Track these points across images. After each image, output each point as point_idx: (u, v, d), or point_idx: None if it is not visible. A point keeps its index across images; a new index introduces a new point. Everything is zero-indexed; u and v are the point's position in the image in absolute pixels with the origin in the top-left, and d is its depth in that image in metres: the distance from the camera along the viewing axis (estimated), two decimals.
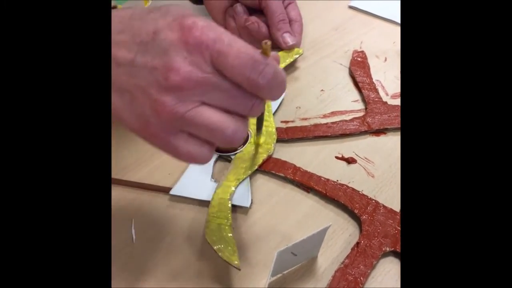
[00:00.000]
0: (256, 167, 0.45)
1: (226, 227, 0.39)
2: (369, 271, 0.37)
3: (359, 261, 0.37)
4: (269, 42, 0.29)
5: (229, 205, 0.41)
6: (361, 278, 0.36)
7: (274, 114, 0.52)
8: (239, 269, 0.36)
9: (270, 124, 0.49)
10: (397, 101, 0.54)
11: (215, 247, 0.37)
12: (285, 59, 0.57)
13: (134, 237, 0.40)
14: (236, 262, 0.36)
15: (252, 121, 0.49)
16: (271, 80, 0.28)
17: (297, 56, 0.58)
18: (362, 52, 0.60)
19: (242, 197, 0.42)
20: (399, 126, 0.50)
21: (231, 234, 0.38)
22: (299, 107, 0.53)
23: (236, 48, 0.27)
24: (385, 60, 0.60)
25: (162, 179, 0.45)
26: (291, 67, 0.58)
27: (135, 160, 0.47)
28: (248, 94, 0.29)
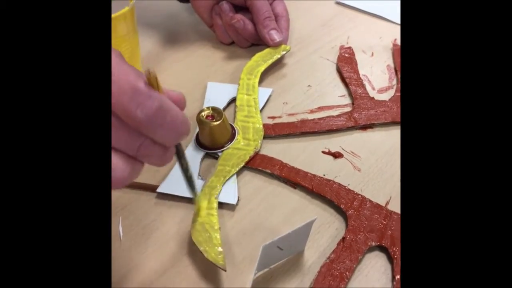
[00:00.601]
0: (243, 164, 0.45)
1: (212, 227, 0.39)
2: (354, 265, 0.37)
3: (344, 256, 0.37)
4: (153, 72, 0.26)
5: (216, 204, 0.41)
6: (347, 273, 0.36)
7: (261, 110, 0.52)
8: (225, 270, 0.36)
9: (257, 121, 0.49)
10: (384, 96, 0.54)
11: (201, 248, 0.37)
12: (272, 55, 0.57)
13: (121, 233, 0.40)
14: (221, 262, 0.36)
15: (243, 117, 0.49)
16: (153, 116, 0.25)
17: (284, 52, 0.58)
18: (350, 48, 0.60)
19: (228, 194, 0.43)
20: (386, 121, 0.50)
21: (217, 235, 0.38)
22: (286, 103, 0.53)
23: (117, 73, 0.25)
24: (372, 55, 0.60)
25: (148, 178, 0.45)
26: (278, 64, 0.59)
27: None
28: (133, 130, 0.26)
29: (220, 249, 0.37)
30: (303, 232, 0.37)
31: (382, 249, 0.39)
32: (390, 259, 0.38)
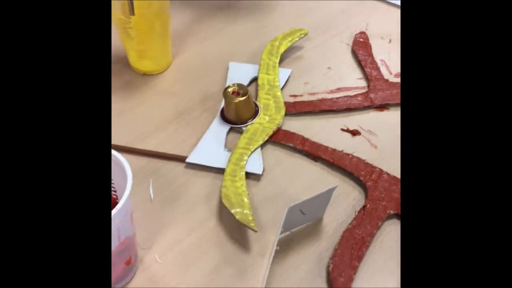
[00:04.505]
0: (267, 138, 0.48)
1: (242, 192, 0.41)
2: (374, 231, 0.39)
3: (365, 222, 0.40)
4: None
5: (243, 172, 0.44)
6: (368, 238, 0.39)
7: (282, 89, 0.54)
8: (256, 231, 0.38)
9: (279, 99, 0.52)
10: (399, 79, 0.56)
11: (232, 211, 0.40)
12: (292, 37, 0.59)
13: (152, 195, 0.43)
14: (252, 224, 0.38)
15: (265, 95, 0.52)
16: None
17: (302, 35, 0.60)
18: (364, 33, 0.63)
19: (254, 165, 0.45)
20: (400, 102, 0.52)
21: (246, 199, 0.41)
22: (307, 83, 0.55)
23: None
24: (390, 41, 0.62)
25: (176, 148, 0.47)
26: (296, 47, 0.61)
27: (148, 129, 0.49)
28: None
29: (250, 212, 0.39)
30: (324, 198, 0.39)
31: (399, 217, 0.41)
32: None
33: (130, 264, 0.36)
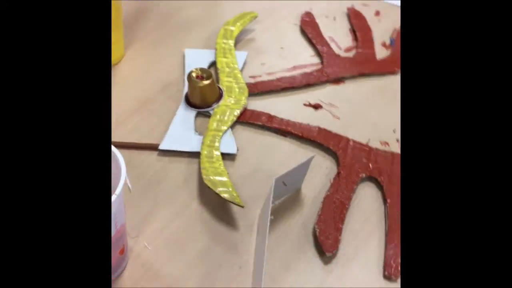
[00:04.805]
0: (235, 118, 0.48)
1: (221, 172, 0.42)
2: (351, 194, 0.42)
3: (342, 188, 0.42)
4: None
5: (219, 153, 0.44)
6: (346, 201, 0.41)
7: (241, 71, 0.55)
8: (243, 206, 0.39)
9: (240, 80, 0.53)
10: (350, 54, 0.59)
11: (216, 190, 0.40)
12: (243, 20, 0.60)
13: (130, 186, 0.42)
14: (237, 200, 0.39)
15: (226, 78, 0.53)
16: None
17: (252, 18, 0.61)
18: (309, 13, 0.65)
19: (228, 145, 0.46)
20: (353, 74, 0.55)
21: (226, 178, 0.42)
22: (264, 63, 0.57)
23: None
24: (334, 19, 0.65)
25: (143, 137, 0.47)
26: (247, 30, 0.62)
27: (112, 122, 0.48)
28: None
29: (233, 189, 0.40)
30: (303, 169, 0.41)
31: (371, 179, 0.44)
32: (379, 187, 0.43)
33: (123, 253, 0.36)
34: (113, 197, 0.29)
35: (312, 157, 0.40)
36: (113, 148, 0.32)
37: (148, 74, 0.55)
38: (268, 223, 0.35)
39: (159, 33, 0.61)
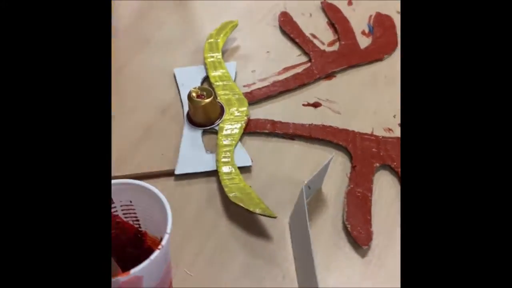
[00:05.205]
0: (242, 131, 0.49)
1: (244, 186, 0.43)
2: (371, 185, 0.43)
3: (361, 180, 0.44)
4: None
5: (236, 168, 0.45)
6: (368, 193, 0.43)
7: (234, 81, 0.56)
8: (275, 217, 0.40)
9: (237, 92, 0.54)
10: (333, 48, 0.60)
11: (246, 206, 0.41)
12: (225, 30, 0.61)
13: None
14: (269, 212, 0.40)
15: (223, 92, 0.53)
16: None
17: (234, 27, 0.62)
18: (285, 12, 0.66)
19: (241, 158, 0.47)
20: (342, 67, 0.57)
21: (250, 191, 0.43)
22: (254, 70, 0.58)
23: None
24: (311, 15, 0.66)
25: (156, 164, 0.47)
26: (230, 39, 0.62)
27: (120, 153, 0.49)
28: None
29: (261, 201, 0.41)
30: (324, 170, 0.43)
31: (385, 167, 0.46)
32: (394, 173, 0.45)
33: (171, 286, 0.36)
34: (165, 236, 0.30)
35: (331, 158, 0.42)
36: (153, 189, 0.33)
37: (143, 99, 0.55)
38: (309, 228, 0.36)
39: (142, 57, 0.61)
